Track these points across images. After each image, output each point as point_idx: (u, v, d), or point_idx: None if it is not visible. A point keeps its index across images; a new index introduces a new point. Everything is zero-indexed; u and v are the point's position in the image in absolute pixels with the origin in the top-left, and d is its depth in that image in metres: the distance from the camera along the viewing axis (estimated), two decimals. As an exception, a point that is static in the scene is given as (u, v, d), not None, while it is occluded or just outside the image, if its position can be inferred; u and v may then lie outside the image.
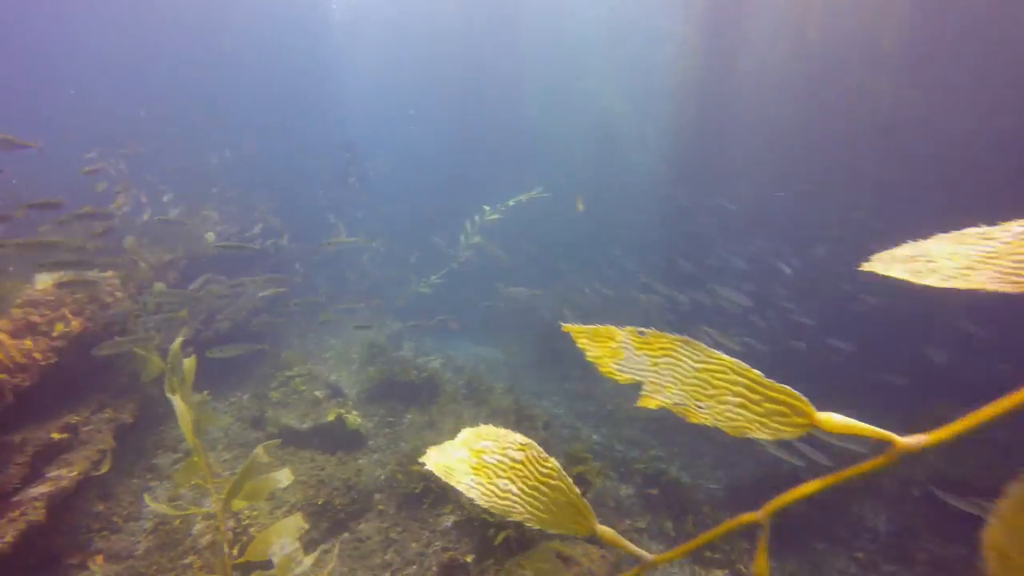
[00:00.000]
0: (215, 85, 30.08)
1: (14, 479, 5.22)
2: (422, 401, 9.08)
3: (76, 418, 6.47)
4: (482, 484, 1.13)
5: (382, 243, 17.02)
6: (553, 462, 1.13)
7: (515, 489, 1.12)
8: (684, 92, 20.62)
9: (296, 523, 5.29)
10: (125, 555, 5.98)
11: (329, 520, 6.46)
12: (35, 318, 6.25)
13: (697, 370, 1.02)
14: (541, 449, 1.16)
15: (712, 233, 15.65)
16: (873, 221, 12.88)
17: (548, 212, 19.35)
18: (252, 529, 6.25)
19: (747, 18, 17.36)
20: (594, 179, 22.53)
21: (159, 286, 8.55)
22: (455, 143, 25.61)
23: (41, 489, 5.33)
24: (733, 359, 0.98)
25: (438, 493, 6.71)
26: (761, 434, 0.92)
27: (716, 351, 1.01)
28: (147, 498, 4.77)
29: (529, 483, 1.12)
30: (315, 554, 4.50)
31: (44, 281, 6.97)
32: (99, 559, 6.00)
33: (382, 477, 7.17)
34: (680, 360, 1.05)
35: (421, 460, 1.17)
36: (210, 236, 12.47)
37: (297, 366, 9.23)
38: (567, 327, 1.20)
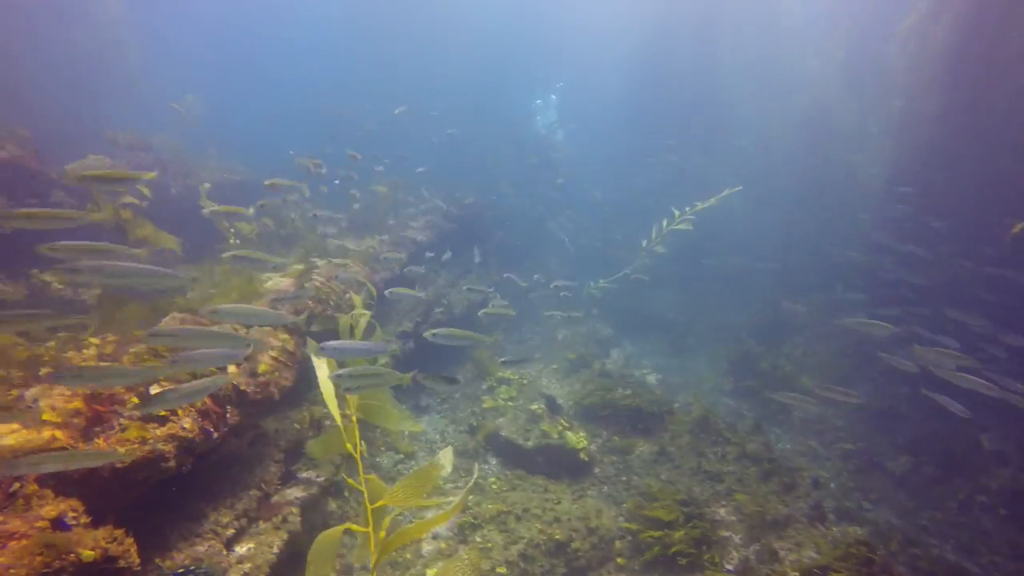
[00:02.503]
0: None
1: (274, 479, 5.00)
2: (647, 425, 7.91)
3: (319, 411, 6.30)
4: None
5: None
6: None
7: None
8: (925, 78, 16.66)
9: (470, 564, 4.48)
10: (358, 566, 5.64)
11: (566, 566, 5.58)
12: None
13: None
14: None
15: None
16: None
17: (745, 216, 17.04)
18: (483, 564, 5.58)
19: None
20: (801, 179, 19.44)
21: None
22: (645, 134, 23.52)
23: (296, 493, 5.07)
24: None
25: (691, 559, 5.52)
26: None
27: None
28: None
29: None
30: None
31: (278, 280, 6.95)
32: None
33: (620, 519, 6.14)
34: None
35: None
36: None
37: (510, 370, 8.60)
38: None
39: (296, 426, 5.84)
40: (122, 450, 3.61)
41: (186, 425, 3.89)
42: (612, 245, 16.62)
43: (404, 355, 8.15)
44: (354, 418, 4.64)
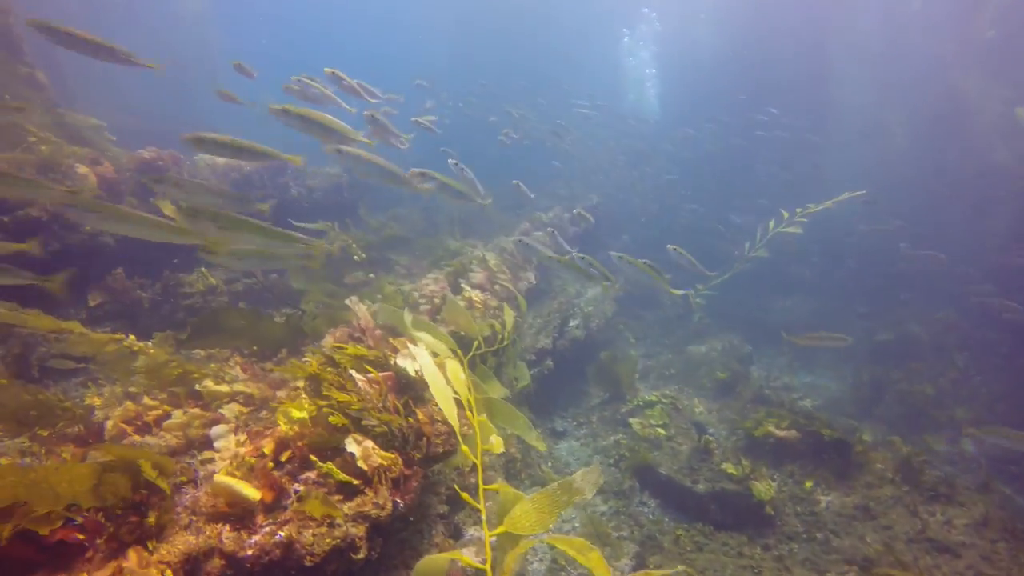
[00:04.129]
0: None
1: (444, 540, 4.16)
2: (830, 466, 6.65)
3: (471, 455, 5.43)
4: None
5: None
6: None
7: None
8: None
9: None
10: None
11: (783, 658, 4.51)
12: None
13: None
14: None
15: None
16: None
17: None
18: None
19: None
20: (926, 177, 17.02)
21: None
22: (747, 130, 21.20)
23: (470, 556, 4.19)
24: None
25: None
26: None
27: None
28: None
29: None
30: None
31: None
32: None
33: (836, 598, 5.00)
34: None
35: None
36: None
37: (656, 393, 7.53)
38: None
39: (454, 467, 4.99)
40: (309, 536, 2.81)
41: (379, 500, 3.06)
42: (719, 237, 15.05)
43: (541, 375, 7.22)
44: (470, 413, 3.69)
